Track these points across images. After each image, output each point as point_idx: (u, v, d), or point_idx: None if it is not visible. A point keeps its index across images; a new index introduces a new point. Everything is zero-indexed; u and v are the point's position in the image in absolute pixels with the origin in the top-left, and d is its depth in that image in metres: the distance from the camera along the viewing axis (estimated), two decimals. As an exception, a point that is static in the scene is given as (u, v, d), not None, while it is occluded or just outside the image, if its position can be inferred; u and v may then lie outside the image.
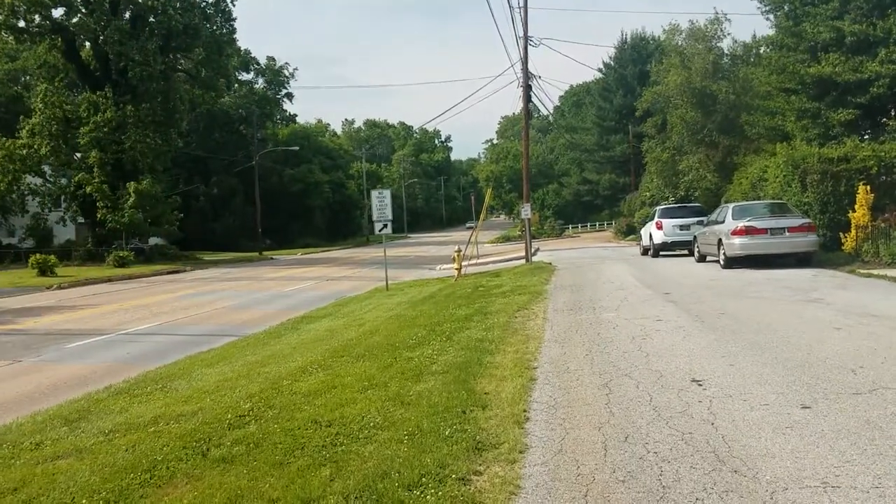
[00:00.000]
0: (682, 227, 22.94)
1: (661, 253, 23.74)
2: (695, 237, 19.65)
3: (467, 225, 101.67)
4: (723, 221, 16.91)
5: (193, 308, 19.08)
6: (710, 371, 6.39)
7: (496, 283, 17.23)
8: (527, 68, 23.18)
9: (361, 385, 6.78)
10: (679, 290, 13.08)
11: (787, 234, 15.59)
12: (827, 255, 16.77)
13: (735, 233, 15.85)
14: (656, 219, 23.69)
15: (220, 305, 19.47)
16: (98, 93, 42.49)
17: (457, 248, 24.04)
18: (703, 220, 22.09)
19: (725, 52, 37.57)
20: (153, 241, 51.74)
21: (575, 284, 15.47)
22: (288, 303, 19.61)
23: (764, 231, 15.64)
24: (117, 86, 43.16)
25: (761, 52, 28.91)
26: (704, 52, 36.49)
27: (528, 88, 23.40)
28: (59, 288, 27.98)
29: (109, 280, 31.88)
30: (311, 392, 6.77)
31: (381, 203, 21.38)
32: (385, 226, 21.41)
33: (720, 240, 16.57)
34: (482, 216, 26.42)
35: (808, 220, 15.99)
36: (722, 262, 16.56)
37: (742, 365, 6.57)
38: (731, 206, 17.49)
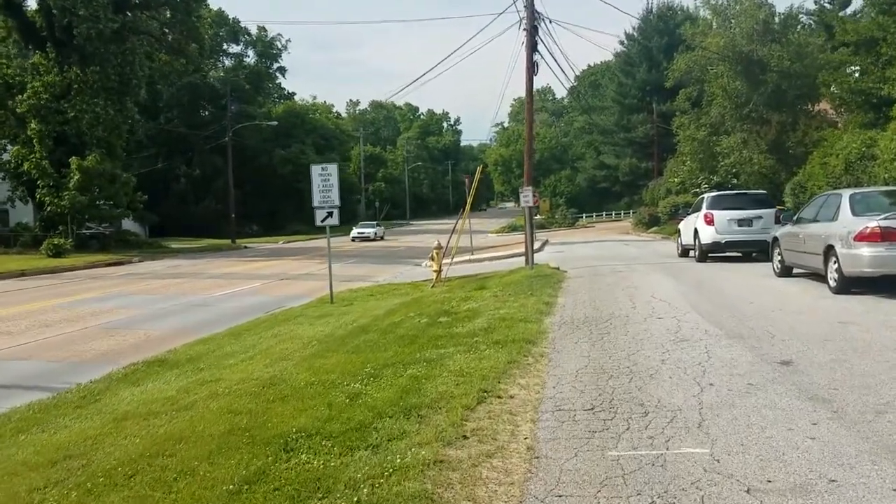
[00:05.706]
0: (740, 223, 16.75)
1: (710, 256, 17.61)
2: (775, 238, 13.20)
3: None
4: (832, 218, 10.55)
5: (64, 324, 13.74)
6: None
7: (471, 305, 11.12)
8: (532, 2, 16.97)
9: None
10: (803, 350, 6.72)
11: (953, 241, 9.35)
12: None
13: (862, 237, 9.52)
14: (704, 210, 17.39)
15: (101, 321, 14.15)
16: (40, 54, 36.61)
17: (436, 243, 18.06)
18: (770, 214, 16.27)
19: (779, 11, 31.26)
20: (127, 225, 46.26)
21: (595, 318, 9.33)
22: (194, 319, 14.27)
23: (914, 235, 9.40)
24: (62, 46, 37.04)
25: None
26: (753, 9, 30.13)
27: (533, 31, 17.22)
28: (-56, 285, 22.34)
29: (23, 274, 26.08)
30: None
31: (324, 183, 15.26)
32: (329, 214, 15.30)
33: (830, 247, 10.24)
34: (469, 201, 20.37)
35: None
36: (833, 283, 10.25)
37: None
38: (846, 193, 10.89)
